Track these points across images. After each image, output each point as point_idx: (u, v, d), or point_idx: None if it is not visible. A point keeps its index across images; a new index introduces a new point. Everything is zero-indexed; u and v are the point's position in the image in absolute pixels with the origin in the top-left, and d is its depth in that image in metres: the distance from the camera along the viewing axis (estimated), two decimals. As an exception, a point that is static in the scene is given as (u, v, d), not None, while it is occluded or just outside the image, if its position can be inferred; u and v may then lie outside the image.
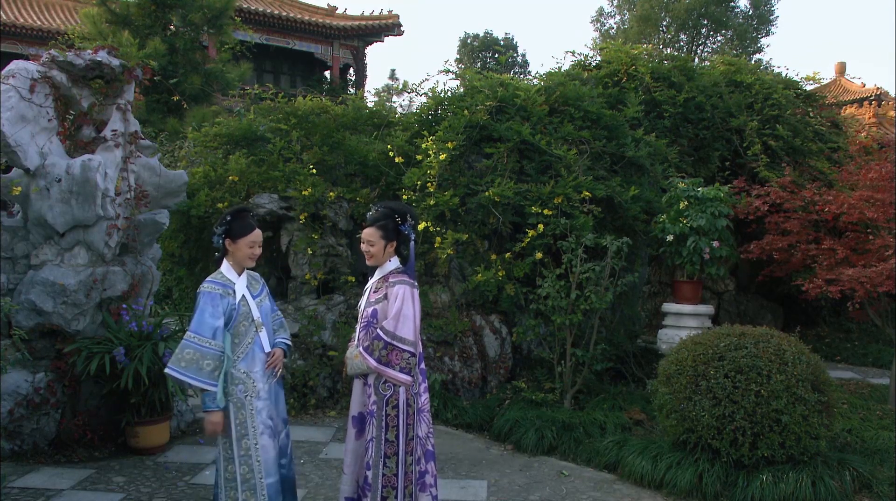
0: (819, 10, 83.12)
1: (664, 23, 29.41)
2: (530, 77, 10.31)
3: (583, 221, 6.52)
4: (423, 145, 7.03)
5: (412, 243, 3.53)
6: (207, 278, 3.56)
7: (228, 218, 3.55)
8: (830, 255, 6.91)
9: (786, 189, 7.49)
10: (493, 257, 6.80)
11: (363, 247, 3.57)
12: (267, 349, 3.57)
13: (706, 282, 8.89)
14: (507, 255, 6.77)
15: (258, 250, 3.60)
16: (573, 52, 18.02)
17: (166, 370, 3.42)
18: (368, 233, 3.52)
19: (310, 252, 7.00)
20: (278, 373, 3.63)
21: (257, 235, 3.57)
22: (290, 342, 3.77)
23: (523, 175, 7.06)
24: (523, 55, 41.95)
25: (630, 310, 7.59)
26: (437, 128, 7.25)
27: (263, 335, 3.57)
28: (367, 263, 3.60)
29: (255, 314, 3.55)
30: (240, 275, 3.58)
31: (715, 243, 6.49)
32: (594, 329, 6.42)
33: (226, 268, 3.57)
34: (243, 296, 3.54)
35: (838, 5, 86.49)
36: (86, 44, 12.01)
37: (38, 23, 20.69)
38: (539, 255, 6.54)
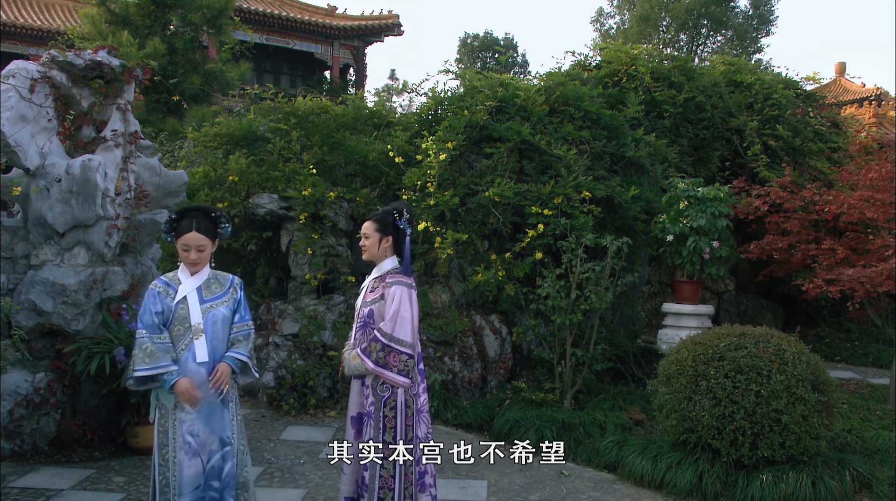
0: (819, 10, 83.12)
1: (664, 23, 29.37)
2: (530, 77, 10.31)
3: (583, 221, 6.52)
4: (423, 145, 7.03)
5: (408, 238, 3.51)
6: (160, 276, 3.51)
7: (174, 216, 3.41)
8: (830, 255, 6.91)
9: (786, 189, 7.49)
10: (493, 257, 6.80)
11: (360, 242, 3.57)
12: (201, 359, 3.32)
13: (706, 282, 8.88)
14: (507, 255, 6.77)
15: (193, 255, 3.36)
16: (573, 53, 18.02)
17: (138, 374, 3.24)
18: (365, 226, 3.53)
19: (310, 252, 7.00)
20: (225, 390, 3.35)
21: (189, 238, 3.34)
22: (244, 358, 3.45)
23: (523, 175, 7.06)
24: (523, 55, 41.86)
25: (630, 310, 7.59)
26: (437, 128, 7.25)
27: (200, 343, 3.33)
28: (363, 257, 3.57)
29: (194, 319, 3.33)
30: (194, 275, 3.41)
31: (715, 243, 6.49)
32: (594, 329, 6.42)
33: (181, 267, 3.44)
34: (184, 298, 3.35)
35: (838, 5, 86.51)
36: (86, 44, 12.00)
37: (38, 23, 20.68)
38: (539, 255, 6.54)
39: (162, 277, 3.46)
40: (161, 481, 3.30)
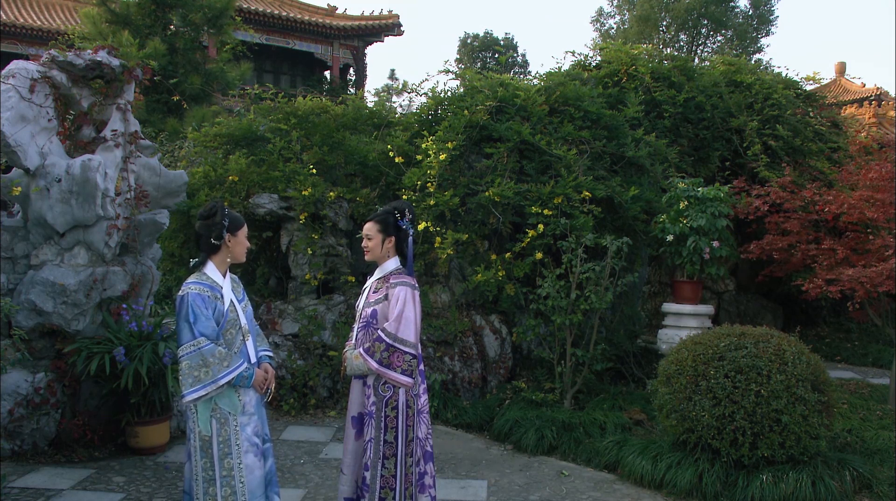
0: (819, 10, 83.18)
1: (664, 23, 29.39)
2: (530, 77, 10.30)
3: (583, 221, 6.52)
4: (423, 145, 7.03)
5: (410, 238, 3.51)
6: (190, 280, 3.25)
7: (226, 211, 3.33)
8: (830, 255, 6.91)
9: (786, 189, 7.49)
10: (493, 257, 6.81)
11: (363, 243, 3.57)
12: (253, 359, 3.34)
13: (706, 282, 8.89)
14: (507, 255, 6.77)
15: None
16: (573, 53, 18.05)
17: (223, 380, 3.13)
18: (367, 227, 3.52)
19: (310, 252, 7.00)
20: (272, 389, 3.41)
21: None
22: (272, 354, 3.57)
23: (523, 175, 7.06)
24: (523, 55, 41.93)
25: (630, 310, 7.59)
26: (437, 128, 7.25)
27: (250, 343, 3.35)
28: (366, 258, 3.57)
29: (243, 320, 3.35)
30: (224, 274, 3.36)
31: (715, 243, 6.49)
32: (594, 329, 6.42)
33: (210, 270, 3.29)
34: (231, 301, 3.31)
35: (838, 5, 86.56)
36: (86, 44, 12.00)
37: (38, 23, 20.69)
38: (539, 255, 6.54)
39: (200, 281, 3.25)
40: (225, 492, 3.16)
